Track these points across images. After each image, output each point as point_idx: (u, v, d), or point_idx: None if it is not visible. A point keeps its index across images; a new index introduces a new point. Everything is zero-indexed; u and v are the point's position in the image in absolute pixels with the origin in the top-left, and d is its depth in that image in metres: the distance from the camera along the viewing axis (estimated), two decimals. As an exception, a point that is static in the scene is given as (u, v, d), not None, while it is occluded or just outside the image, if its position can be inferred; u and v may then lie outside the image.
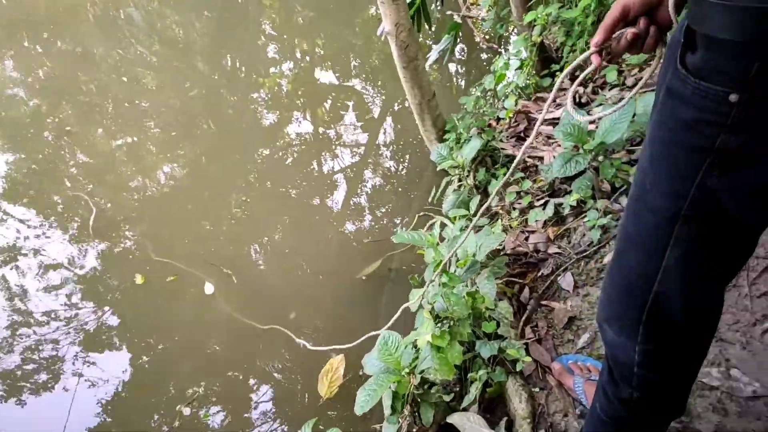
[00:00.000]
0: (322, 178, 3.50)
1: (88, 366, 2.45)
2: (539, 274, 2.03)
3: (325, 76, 5.02)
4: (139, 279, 2.75)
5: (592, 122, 2.48)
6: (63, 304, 2.77)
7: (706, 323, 0.93)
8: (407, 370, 1.61)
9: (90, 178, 3.61)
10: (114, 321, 2.62)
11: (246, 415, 2.16)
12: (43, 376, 2.44)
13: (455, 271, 1.83)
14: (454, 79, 4.69)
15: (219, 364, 2.35)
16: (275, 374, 2.31)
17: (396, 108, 4.25)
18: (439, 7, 4.67)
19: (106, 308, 2.69)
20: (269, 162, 3.66)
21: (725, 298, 1.16)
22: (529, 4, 3.11)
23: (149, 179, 3.63)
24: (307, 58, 5.57)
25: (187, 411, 2.16)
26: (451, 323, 1.67)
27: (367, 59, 5.24)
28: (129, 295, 2.71)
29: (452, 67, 4.70)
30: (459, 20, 4.06)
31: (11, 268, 3.04)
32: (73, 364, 2.48)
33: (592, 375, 1.54)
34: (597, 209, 2.09)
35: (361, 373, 2.12)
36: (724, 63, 0.66)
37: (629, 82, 2.70)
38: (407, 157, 3.66)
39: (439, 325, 1.68)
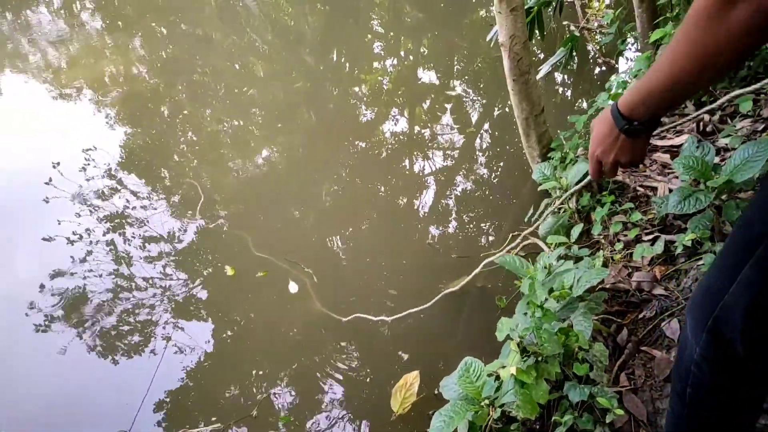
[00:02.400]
0: (413, 180, 3.47)
1: (178, 331, 2.59)
2: (641, 315, 1.87)
3: (427, 77, 5.00)
4: (229, 271, 2.84)
5: (718, 155, 2.27)
6: (160, 273, 2.93)
7: (762, 357, 0.94)
8: (487, 402, 1.54)
9: (196, 157, 3.83)
10: (204, 299, 2.73)
11: (316, 422, 2.16)
12: (137, 338, 2.59)
13: (548, 303, 1.72)
14: (562, 90, 4.50)
15: (297, 365, 2.38)
16: (350, 383, 2.30)
17: (496, 115, 4.14)
18: (554, 17, 4.48)
19: (198, 284, 2.81)
20: (363, 158, 3.69)
21: None
22: (657, 21, 2.90)
23: (249, 163, 3.78)
24: (411, 57, 5.57)
25: (259, 407, 2.20)
26: (539, 359, 1.58)
27: (471, 63, 5.14)
28: (220, 282, 2.81)
29: (561, 78, 4.51)
30: (577, 33, 3.87)
31: (120, 234, 3.25)
32: (164, 328, 2.63)
33: None
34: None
35: (436, 392, 2.06)
36: None
37: (766, 113, 2.45)
38: (505, 170, 3.53)
39: (525, 359, 1.59)
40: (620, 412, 1.47)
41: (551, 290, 1.78)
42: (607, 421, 1.47)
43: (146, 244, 3.15)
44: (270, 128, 4.16)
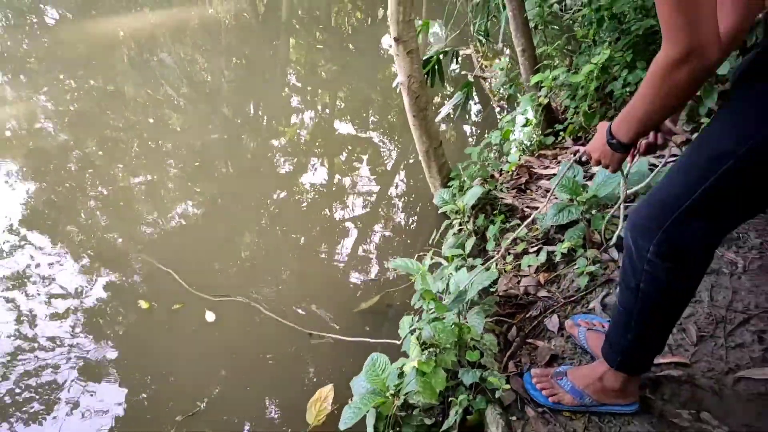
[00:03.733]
0: (331, 222, 3.62)
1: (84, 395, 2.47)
2: (528, 315, 2.12)
3: (344, 128, 5.24)
4: (143, 304, 2.86)
5: (587, 177, 2.62)
6: (68, 328, 2.82)
7: (699, 259, 1.22)
8: (392, 392, 1.69)
9: (107, 211, 3.75)
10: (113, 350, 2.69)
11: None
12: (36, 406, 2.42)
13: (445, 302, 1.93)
14: (460, 129, 4.89)
15: (218, 385, 2.43)
16: (266, 399, 2.38)
17: (404, 156, 4.42)
18: (455, 68, 4.93)
19: (109, 333, 2.78)
20: (283, 206, 3.79)
21: (702, 348, 1.69)
22: (537, 67, 3.32)
23: (164, 216, 3.75)
24: (327, 110, 5.83)
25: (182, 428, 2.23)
26: (437, 351, 1.76)
27: (385, 114, 5.47)
28: (133, 320, 2.82)
29: (465, 122, 4.91)
30: (472, 79, 4.28)
31: (22, 293, 3.06)
32: (69, 392, 2.48)
33: (596, 327, 1.79)
34: (586, 257, 2.19)
35: (349, 401, 2.18)
36: None
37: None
38: (413, 202, 3.80)
39: (425, 353, 1.78)
40: (507, 386, 1.67)
41: (448, 293, 1.99)
42: (496, 397, 1.67)
43: (52, 300, 3.01)
44: (187, 180, 4.16)
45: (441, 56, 3.76)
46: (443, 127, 4.81)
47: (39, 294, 3.06)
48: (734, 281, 2.00)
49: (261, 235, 3.50)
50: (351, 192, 3.99)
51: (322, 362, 2.50)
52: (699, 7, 0.96)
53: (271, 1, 10.10)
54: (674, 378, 1.70)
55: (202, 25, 8.69)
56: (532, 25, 3.42)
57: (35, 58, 6.84)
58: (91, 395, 2.43)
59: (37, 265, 3.28)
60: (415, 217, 3.56)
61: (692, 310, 1.92)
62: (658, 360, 1.76)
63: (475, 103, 4.92)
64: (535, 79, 3.09)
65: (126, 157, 4.48)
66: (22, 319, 2.89)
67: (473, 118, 4.92)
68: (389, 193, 3.96)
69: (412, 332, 1.77)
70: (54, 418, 2.36)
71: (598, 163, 1.38)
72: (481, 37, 4.25)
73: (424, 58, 3.83)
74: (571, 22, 4.06)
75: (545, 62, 3.34)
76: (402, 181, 4.13)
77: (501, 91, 4.27)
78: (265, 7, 9.84)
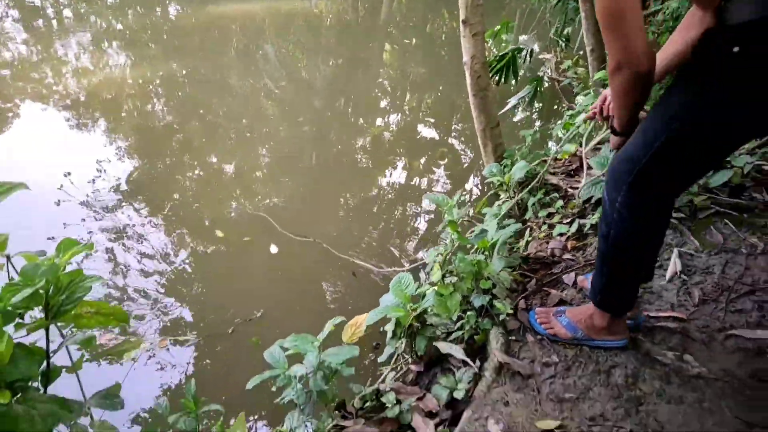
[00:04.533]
0: (401, 214, 3.87)
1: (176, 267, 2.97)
2: (549, 271, 2.32)
3: (427, 132, 5.50)
4: (219, 233, 3.31)
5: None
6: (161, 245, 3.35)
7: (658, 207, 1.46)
8: (412, 306, 1.97)
9: (199, 190, 4.09)
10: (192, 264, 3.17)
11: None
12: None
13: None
14: (526, 119, 5.04)
15: (272, 300, 2.80)
16: (311, 318, 2.70)
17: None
18: (528, 64, 5.09)
19: (193, 250, 3.26)
20: (359, 200, 4.02)
21: (702, 309, 1.91)
22: (603, 66, 3.48)
23: (248, 200, 3.98)
24: (412, 112, 6.11)
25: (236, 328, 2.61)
26: (456, 279, 2.03)
27: (468, 119, 5.68)
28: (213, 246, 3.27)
29: (532, 115, 5.06)
30: (543, 76, 4.47)
31: (119, 245, 3.46)
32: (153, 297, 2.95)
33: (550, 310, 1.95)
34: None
35: (381, 329, 2.47)
36: None
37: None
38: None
39: (446, 279, 2.04)
40: (509, 310, 1.90)
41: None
42: (500, 319, 1.91)
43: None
44: (275, 167, 4.48)
45: (516, 53, 4.00)
46: (516, 117, 4.98)
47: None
48: (750, 260, 2.11)
49: (333, 199, 3.87)
50: (422, 185, 4.24)
51: (362, 296, 2.81)
52: (626, 28, 1.21)
53: (371, 5, 10.65)
54: (668, 328, 1.87)
55: (306, 21, 9.34)
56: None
57: (156, 45, 7.66)
58: (166, 298, 2.90)
59: (133, 224, 3.68)
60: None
61: (701, 278, 2.07)
62: (657, 313, 1.93)
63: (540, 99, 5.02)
64: (598, 75, 3.26)
65: (225, 141, 4.95)
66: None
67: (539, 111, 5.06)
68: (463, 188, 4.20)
69: (435, 258, 2.04)
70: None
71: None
72: (559, 40, 4.42)
73: (499, 55, 4.10)
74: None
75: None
76: (476, 186, 4.32)
77: (572, 88, 4.43)
78: (365, 11, 10.40)
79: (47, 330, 1.19)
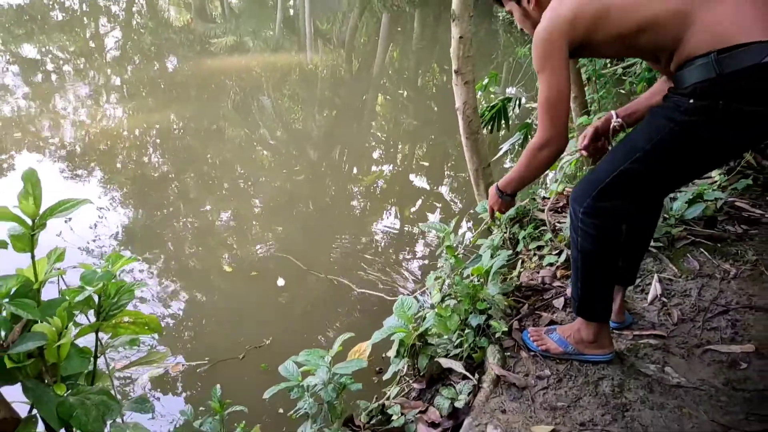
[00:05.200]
0: (399, 250, 4.03)
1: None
2: (541, 297, 2.49)
3: (419, 181, 5.71)
4: (227, 268, 3.46)
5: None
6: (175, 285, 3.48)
7: (615, 218, 1.68)
8: (414, 326, 2.12)
9: (194, 239, 4.15)
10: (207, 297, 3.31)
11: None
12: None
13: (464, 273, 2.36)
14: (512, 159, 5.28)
15: (283, 328, 2.94)
16: (318, 344, 2.84)
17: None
18: (517, 112, 5.39)
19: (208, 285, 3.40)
20: (349, 249, 4.03)
21: (681, 327, 2.10)
22: (584, 112, 3.76)
23: (243, 250, 3.98)
24: (405, 162, 6.33)
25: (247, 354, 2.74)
26: (455, 301, 2.19)
27: (460, 166, 5.91)
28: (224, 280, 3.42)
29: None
30: (531, 122, 4.75)
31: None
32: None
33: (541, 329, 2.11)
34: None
35: (383, 356, 2.60)
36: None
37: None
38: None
39: (445, 301, 2.21)
40: (504, 328, 2.06)
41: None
42: (496, 338, 2.06)
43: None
44: (269, 214, 4.57)
45: (506, 103, 4.29)
46: (507, 164, 5.23)
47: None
48: (723, 284, 2.30)
49: (327, 235, 4.05)
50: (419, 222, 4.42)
51: (368, 325, 2.94)
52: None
53: (365, 59, 11.14)
54: (651, 345, 2.03)
55: (301, 75, 9.73)
56: (585, 76, 3.89)
57: (153, 98, 7.90)
58: (179, 327, 3.03)
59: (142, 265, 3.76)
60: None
61: (679, 301, 2.25)
62: (640, 332, 2.10)
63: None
64: (580, 120, 3.53)
65: (218, 190, 5.03)
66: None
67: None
68: (459, 217, 4.40)
69: (435, 282, 2.21)
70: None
71: (493, 210, 2.07)
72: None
73: (490, 105, 4.38)
74: (621, 73, 4.49)
75: (590, 108, 3.78)
76: (469, 226, 4.46)
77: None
78: (359, 64, 10.87)
79: (97, 332, 1.34)
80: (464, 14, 2.91)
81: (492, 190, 2.01)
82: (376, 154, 6.51)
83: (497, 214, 2.13)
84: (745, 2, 1.40)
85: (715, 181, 3.00)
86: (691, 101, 1.45)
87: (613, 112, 1.93)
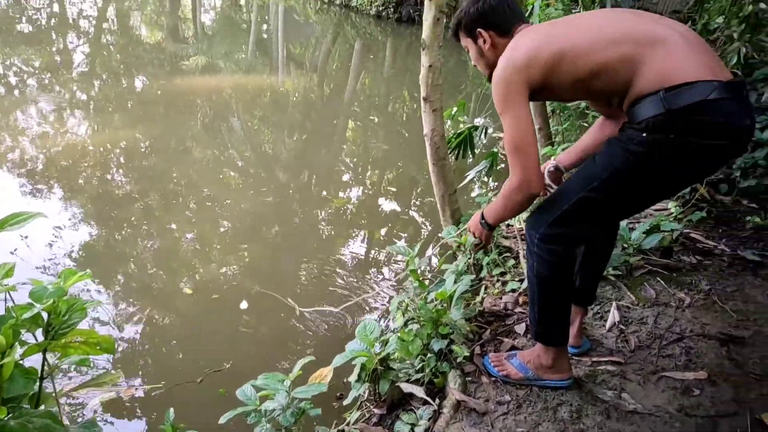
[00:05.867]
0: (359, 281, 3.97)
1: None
2: (503, 323, 2.51)
3: (388, 205, 5.71)
4: (188, 291, 3.39)
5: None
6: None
7: (569, 245, 1.74)
8: (376, 351, 2.11)
9: (156, 260, 4.01)
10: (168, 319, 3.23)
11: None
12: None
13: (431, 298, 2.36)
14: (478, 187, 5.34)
15: (240, 355, 2.87)
16: (278, 369, 2.79)
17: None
18: (483, 141, 5.48)
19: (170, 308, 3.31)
20: (315, 272, 3.94)
21: (638, 354, 2.14)
22: (549, 142, 3.85)
23: (205, 273, 3.85)
24: (374, 185, 6.33)
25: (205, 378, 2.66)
26: (418, 325, 2.19)
27: (428, 192, 5.95)
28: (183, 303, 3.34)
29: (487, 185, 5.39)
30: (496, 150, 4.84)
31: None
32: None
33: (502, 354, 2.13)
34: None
35: (345, 380, 2.57)
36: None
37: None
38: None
39: (408, 326, 2.20)
40: (466, 353, 2.06)
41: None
42: (458, 361, 2.06)
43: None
44: (235, 236, 4.47)
45: (472, 131, 4.37)
46: (474, 192, 5.29)
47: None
48: (678, 312, 2.36)
49: (290, 257, 4.01)
50: (385, 247, 4.42)
51: (329, 350, 2.90)
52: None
53: (336, 84, 11.22)
54: (608, 371, 2.06)
55: (272, 98, 9.74)
56: (550, 108, 4.00)
57: (120, 115, 7.73)
58: (133, 349, 2.93)
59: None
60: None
61: (636, 328, 2.29)
62: (597, 358, 2.13)
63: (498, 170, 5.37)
64: (544, 151, 3.61)
65: (183, 210, 4.91)
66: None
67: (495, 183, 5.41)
68: (423, 241, 4.41)
69: (398, 306, 2.21)
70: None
71: (474, 235, 2.03)
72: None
73: (457, 132, 4.45)
74: (584, 107, 4.63)
75: (557, 139, 3.88)
76: (435, 256, 4.46)
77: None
78: (330, 90, 10.94)
79: (44, 352, 1.29)
80: (434, 44, 2.97)
81: (476, 215, 1.99)
82: (345, 178, 6.51)
83: (468, 236, 2.16)
84: (689, 48, 1.50)
85: (672, 213, 3.09)
86: (644, 135, 1.51)
87: (552, 160, 2.10)
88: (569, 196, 1.68)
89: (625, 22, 1.59)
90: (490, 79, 1.79)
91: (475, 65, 1.94)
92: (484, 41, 1.83)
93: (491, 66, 1.81)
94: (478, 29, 1.83)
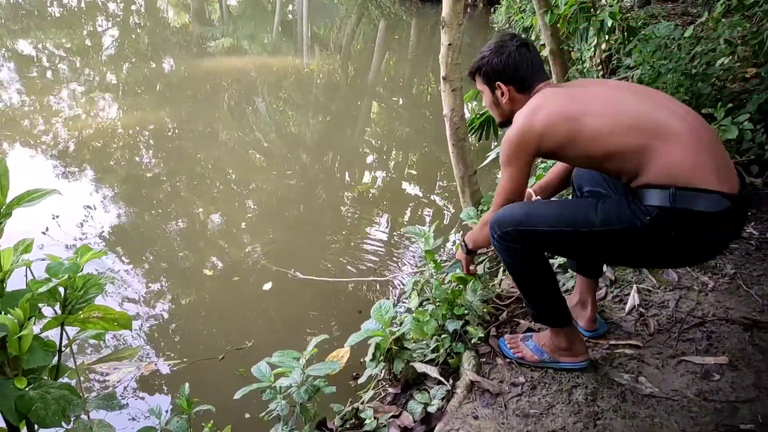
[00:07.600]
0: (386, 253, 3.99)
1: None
2: (520, 305, 2.49)
3: (411, 189, 5.68)
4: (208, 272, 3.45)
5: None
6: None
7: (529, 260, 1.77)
8: (391, 331, 2.11)
9: (181, 240, 4.09)
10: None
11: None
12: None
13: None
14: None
15: (263, 334, 2.93)
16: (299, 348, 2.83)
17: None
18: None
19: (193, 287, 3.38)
20: (339, 253, 3.94)
21: (657, 338, 2.12)
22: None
23: (232, 250, 3.94)
24: (398, 167, 6.30)
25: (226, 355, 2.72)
26: (433, 306, 2.19)
27: (452, 175, 5.84)
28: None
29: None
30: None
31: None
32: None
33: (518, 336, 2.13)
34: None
35: (361, 360, 2.58)
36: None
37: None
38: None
39: (423, 305, 2.20)
40: (481, 334, 2.06)
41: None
42: (472, 343, 2.06)
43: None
44: (260, 217, 4.51)
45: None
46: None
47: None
48: (701, 296, 2.31)
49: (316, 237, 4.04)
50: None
51: (349, 329, 2.93)
52: (512, 195, 1.72)
53: (360, 66, 11.16)
54: (625, 354, 2.04)
55: (297, 79, 9.74)
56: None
57: (148, 97, 7.86)
58: (157, 327, 3.01)
59: (125, 264, 3.70)
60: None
61: (657, 311, 2.25)
62: (615, 341, 2.10)
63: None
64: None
65: (208, 192, 4.92)
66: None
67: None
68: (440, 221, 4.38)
69: (413, 287, 2.21)
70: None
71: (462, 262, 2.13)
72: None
73: (480, 113, 4.39)
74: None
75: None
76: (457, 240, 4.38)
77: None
78: (355, 71, 10.88)
79: (62, 325, 1.33)
80: (454, 22, 2.92)
81: (461, 243, 2.09)
82: (369, 160, 6.50)
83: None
84: (699, 147, 1.52)
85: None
86: (648, 218, 1.52)
87: (530, 190, 2.10)
88: (549, 221, 1.66)
89: (643, 105, 1.61)
90: (500, 125, 1.88)
91: (486, 108, 1.97)
92: (502, 94, 1.82)
93: (505, 116, 1.85)
94: (498, 82, 1.82)
